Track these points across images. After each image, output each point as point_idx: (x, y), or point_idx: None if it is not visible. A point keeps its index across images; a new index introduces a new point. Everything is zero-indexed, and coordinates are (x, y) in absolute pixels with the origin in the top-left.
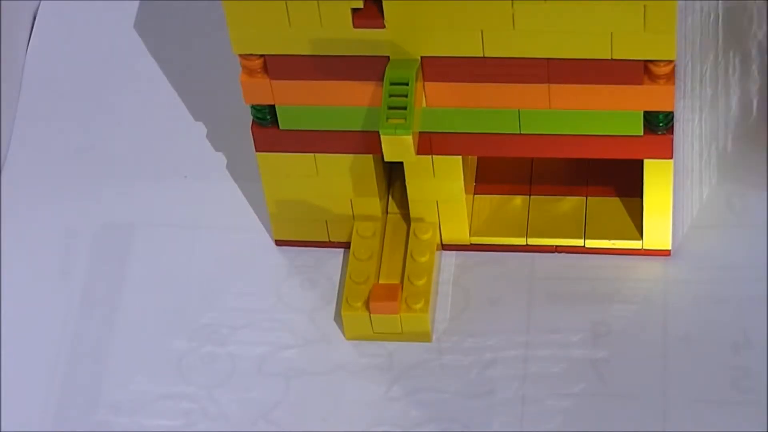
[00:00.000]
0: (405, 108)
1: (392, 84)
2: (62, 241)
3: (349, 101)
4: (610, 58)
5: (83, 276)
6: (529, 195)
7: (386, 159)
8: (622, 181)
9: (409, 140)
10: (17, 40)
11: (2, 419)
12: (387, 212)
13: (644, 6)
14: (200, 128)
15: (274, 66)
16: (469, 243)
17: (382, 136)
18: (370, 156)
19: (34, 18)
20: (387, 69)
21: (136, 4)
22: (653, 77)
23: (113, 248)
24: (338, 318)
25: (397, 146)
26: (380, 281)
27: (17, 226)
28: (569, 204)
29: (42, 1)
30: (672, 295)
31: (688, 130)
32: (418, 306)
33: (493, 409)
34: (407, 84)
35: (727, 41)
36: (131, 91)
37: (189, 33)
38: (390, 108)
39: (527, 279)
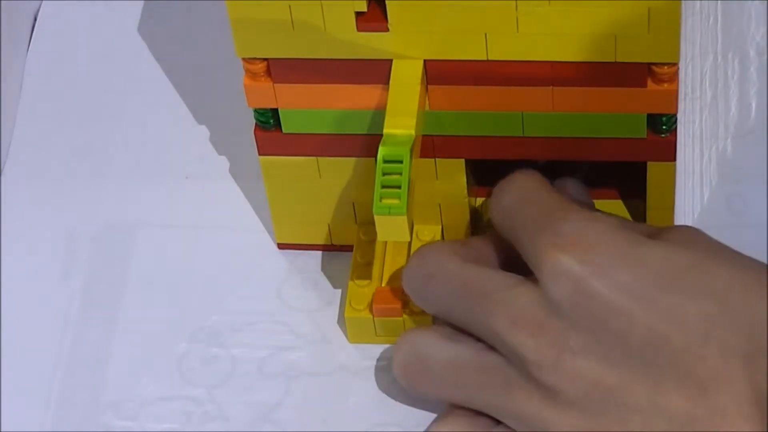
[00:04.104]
0: (399, 187)
1: (386, 162)
2: (63, 241)
3: (352, 105)
4: (614, 60)
5: (84, 277)
6: None
7: (379, 239)
8: (624, 183)
9: (403, 221)
10: (18, 41)
11: (2, 419)
12: None
13: (648, 8)
14: (202, 130)
15: (278, 69)
16: None
17: (375, 216)
18: (373, 159)
19: (35, 19)
20: (380, 145)
21: (138, 5)
22: (657, 80)
23: (114, 249)
24: (340, 319)
25: (391, 226)
26: (383, 284)
27: (17, 227)
28: None
29: (43, 2)
30: None
31: (688, 132)
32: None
33: None
34: (401, 162)
35: (726, 43)
36: (132, 92)
37: (191, 35)
38: (384, 187)
39: None
